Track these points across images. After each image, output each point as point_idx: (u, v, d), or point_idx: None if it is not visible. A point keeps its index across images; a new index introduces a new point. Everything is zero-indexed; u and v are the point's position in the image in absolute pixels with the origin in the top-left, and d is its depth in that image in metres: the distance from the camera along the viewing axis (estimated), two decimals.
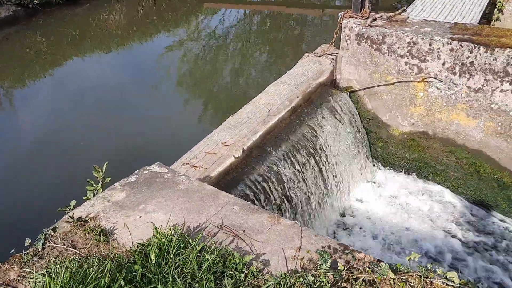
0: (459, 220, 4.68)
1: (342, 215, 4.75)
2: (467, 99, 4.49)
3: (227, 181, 3.61)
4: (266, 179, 3.79)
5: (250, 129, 4.04)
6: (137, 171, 2.61)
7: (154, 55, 9.34)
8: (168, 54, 9.35)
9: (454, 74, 4.46)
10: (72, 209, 2.38)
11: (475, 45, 4.25)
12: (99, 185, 2.54)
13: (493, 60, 4.20)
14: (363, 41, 4.81)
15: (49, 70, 8.42)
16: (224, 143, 3.80)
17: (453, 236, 4.50)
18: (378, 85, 4.90)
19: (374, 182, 5.12)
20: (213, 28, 10.90)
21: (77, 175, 4.72)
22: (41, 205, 4.74)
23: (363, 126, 5.19)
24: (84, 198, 2.50)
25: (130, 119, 6.67)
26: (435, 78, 4.56)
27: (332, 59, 5.36)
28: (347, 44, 4.97)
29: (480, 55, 4.24)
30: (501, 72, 4.22)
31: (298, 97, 4.64)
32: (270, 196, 3.74)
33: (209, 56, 9.39)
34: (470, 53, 4.29)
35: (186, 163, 3.53)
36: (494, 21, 6.85)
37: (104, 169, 2.57)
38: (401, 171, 5.17)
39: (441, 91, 4.60)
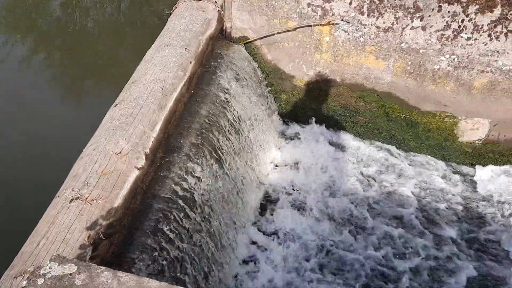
0: None
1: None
2: (376, 40, 4.05)
3: (136, 207, 2.73)
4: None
5: (146, 122, 3.08)
6: (24, 283, 1.58)
7: None
8: None
9: (362, 14, 3.94)
10: None
11: None
12: None
13: None
14: None
15: None
16: (119, 152, 2.82)
17: None
18: (278, 33, 4.17)
19: (285, 141, 4.61)
20: None
21: None
22: None
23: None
24: None
25: None
26: (341, 20, 3.99)
27: (215, 1, 4.42)
28: None
29: None
30: (411, 8, 3.81)
31: (191, 62, 3.71)
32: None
33: None
34: None
35: (76, 198, 2.53)
36: None
37: None
38: (308, 124, 4.70)
39: (348, 34, 4.07)
